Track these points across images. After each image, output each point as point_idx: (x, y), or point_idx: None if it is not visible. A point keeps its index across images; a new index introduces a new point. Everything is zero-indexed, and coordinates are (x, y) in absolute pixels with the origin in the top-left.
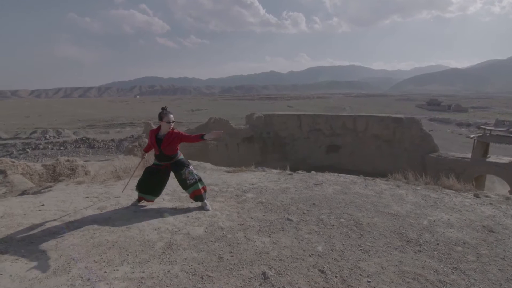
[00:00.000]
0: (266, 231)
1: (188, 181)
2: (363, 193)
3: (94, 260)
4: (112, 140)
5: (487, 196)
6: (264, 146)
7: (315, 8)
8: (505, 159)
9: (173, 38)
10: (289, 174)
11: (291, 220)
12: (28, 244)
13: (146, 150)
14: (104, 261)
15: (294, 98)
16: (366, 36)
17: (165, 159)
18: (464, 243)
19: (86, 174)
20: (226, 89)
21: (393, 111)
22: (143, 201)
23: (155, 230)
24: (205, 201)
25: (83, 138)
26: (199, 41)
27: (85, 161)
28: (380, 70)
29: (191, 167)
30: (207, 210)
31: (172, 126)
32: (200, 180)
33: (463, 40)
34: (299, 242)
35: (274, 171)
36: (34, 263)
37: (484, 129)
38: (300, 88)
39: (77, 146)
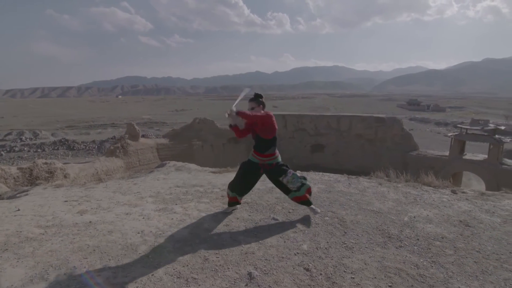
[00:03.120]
0: (252, 231)
1: (290, 188)
2: (347, 191)
3: (74, 266)
4: (93, 142)
5: (463, 192)
6: (250, 146)
7: (299, 9)
8: (480, 157)
9: (156, 37)
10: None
11: (276, 219)
12: (3, 251)
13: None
14: (85, 267)
15: (279, 98)
16: (349, 37)
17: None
18: (443, 238)
19: (65, 177)
20: (211, 89)
21: (375, 111)
22: (234, 203)
23: (139, 233)
24: (312, 205)
25: (62, 140)
26: (183, 40)
27: (64, 163)
28: (362, 71)
29: (291, 170)
30: (316, 212)
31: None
32: (305, 181)
33: (441, 42)
34: (284, 241)
35: None
36: (9, 272)
37: (461, 128)
38: (285, 88)
39: (56, 148)
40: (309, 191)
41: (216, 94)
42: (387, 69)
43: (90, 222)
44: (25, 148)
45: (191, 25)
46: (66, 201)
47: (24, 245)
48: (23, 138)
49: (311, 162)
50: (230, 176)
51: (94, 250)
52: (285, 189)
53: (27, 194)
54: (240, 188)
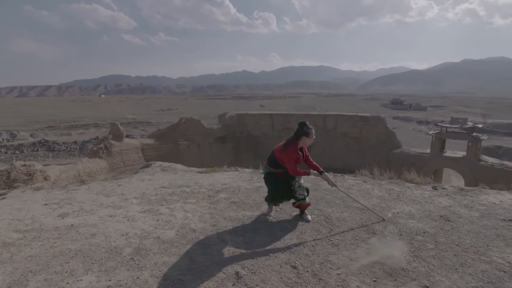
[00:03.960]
0: (240, 231)
1: (297, 195)
2: (333, 189)
3: (55, 271)
4: (75, 142)
5: (443, 188)
6: (237, 145)
7: (285, 9)
8: (459, 154)
9: (140, 35)
10: (262, 173)
11: (264, 218)
12: None
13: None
14: (66, 272)
15: (266, 97)
16: (334, 37)
17: (281, 167)
18: (424, 232)
19: (45, 179)
20: (198, 88)
21: (360, 110)
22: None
23: (123, 235)
24: (306, 213)
25: (42, 141)
26: (168, 39)
27: (44, 165)
28: (347, 71)
29: (301, 180)
30: (308, 221)
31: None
32: (308, 194)
33: (422, 43)
34: (271, 240)
35: (247, 170)
36: None
37: (441, 126)
38: (272, 87)
39: (35, 149)
40: (309, 203)
41: (203, 94)
42: (371, 69)
43: (72, 225)
44: (1, 150)
45: (176, 23)
46: (46, 204)
47: (2, 251)
48: (0, 139)
49: None
50: (217, 176)
51: (76, 254)
52: (291, 194)
53: (4, 198)
54: (281, 196)
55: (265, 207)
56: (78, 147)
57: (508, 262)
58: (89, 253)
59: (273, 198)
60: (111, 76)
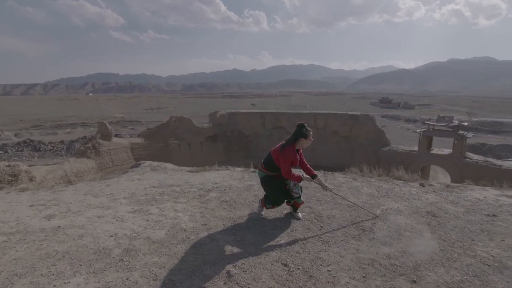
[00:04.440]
0: (231, 229)
1: (293, 194)
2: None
3: (42, 274)
4: (62, 142)
5: (430, 185)
6: (228, 144)
7: (275, 8)
8: (446, 151)
9: (129, 32)
10: (253, 172)
11: (255, 217)
12: None
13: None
14: (53, 274)
15: (257, 96)
16: (324, 36)
17: (279, 170)
18: (412, 228)
19: (31, 180)
20: (188, 86)
21: (350, 109)
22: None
23: (112, 236)
24: (297, 211)
25: (27, 141)
26: (157, 36)
27: (30, 165)
28: (337, 70)
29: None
30: (299, 218)
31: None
32: (301, 192)
33: (410, 43)
34: (263, 238)
35: (238, 169)
36: None
37: (428, 124)
38: (263, 86)
39: (20, 149)
40: (303, 202)
41: (194, 92)
42: (361, 68)
43: (59, 227)
44: None
45: (166, 20)
46: (31, 206)
47: None
48: None
49: None
50: (208, 175)
51: (63, 256)
52: (288, 194)
53: None
54: (283, 198)
55: (256, 205)
56: (65, 147)
57: (492, 255)
58: (77, 254)
59: (275, 202)
60: (99, 74)
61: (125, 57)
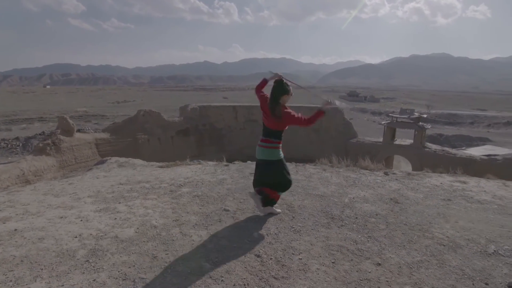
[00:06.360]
0: (203, 224)
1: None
2: (294, 178)
3: None
4: (17, 139)
5: (393, 173)
6: (200, 138)
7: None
8: (407, 142)
9: (90, 20)
10: (226, 166)
11: (228, 210)
12: None
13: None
14: (11, 281)
15: (229, 89)
16: (295, 30)
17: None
18: (377, 215)
19: None
20: (157, 79)
21: (320, 102)
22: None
23: (76, 237)
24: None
25: None
26: (122, 25)
27: None
28: (308, 64)
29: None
30: (276, 213)
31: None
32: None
33: (376, 39)
34: (236, 231)
35: (211, 163)
36: None
37: (392, 116)
38: (235, 79)
39: None
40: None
41: (163, 85)
42: (330, 62)
43: (16, 230)
44: None
45: (131, 9)
46: None
47: None
48: None
49: None
50: (180, 170)
51: (21, 260)
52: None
53: None
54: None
55: (229, 199)
56: (20, 144)
57: (447, 236)
58: (37, 258)
59: (289, 183)
60: (57, 65)
61: (87, 47)
